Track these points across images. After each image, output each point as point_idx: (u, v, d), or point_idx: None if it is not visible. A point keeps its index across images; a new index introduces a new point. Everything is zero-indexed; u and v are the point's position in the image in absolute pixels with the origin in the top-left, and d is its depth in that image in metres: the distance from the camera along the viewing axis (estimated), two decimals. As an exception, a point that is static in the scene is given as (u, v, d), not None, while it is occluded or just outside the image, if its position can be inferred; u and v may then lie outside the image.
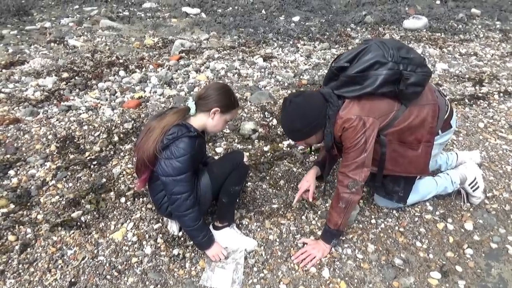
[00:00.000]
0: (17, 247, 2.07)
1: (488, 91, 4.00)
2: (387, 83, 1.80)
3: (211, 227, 2.14)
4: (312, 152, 2.82)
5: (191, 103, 1.93)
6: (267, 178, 2.66)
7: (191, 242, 2.10)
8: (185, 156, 1.81)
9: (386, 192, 2.25)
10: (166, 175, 1.83)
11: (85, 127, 3.18)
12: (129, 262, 2.01)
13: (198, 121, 1.93)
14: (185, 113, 1.92)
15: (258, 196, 2.50)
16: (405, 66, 1.80)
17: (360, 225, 2.28)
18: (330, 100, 1.89)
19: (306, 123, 1.90)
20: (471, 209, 2.40)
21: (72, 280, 1.91)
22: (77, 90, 3.81)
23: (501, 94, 3.93)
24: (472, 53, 5.17)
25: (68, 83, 3.93)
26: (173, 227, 2.19)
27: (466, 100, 3.79)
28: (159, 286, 1.90)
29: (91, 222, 2.26)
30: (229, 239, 2.10)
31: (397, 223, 2.30)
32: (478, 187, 2.35)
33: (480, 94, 3.92)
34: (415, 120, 1.94)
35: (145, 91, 3.84)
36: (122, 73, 4.22)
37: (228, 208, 2.13)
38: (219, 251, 2.02)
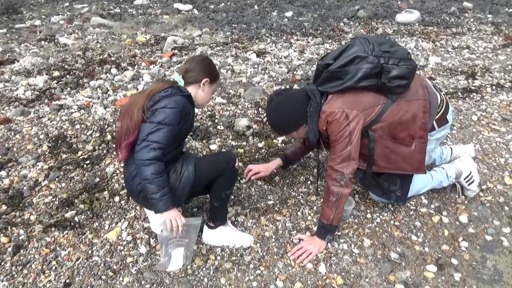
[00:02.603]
0: (9, 249, 2.04)
1: (480, 84, 4.02)
2: (368, 76, 1.83)
3: (205, 227, 2.10)
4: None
5: (178, 77, 1.91)
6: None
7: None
8: (176, 108, 1.76)
9: (382, 191, 2.25)
10: (150, 122, 1.74)
11: (77, 126, 3.14)
12: (124, 261, 2.00)
13: None
14: (173, 84, 1.90)
15: (253, 193, 2.49)
16: (387, 60, 1.82)
17: (356, 220, 2.28)
18: (312, 97, 1.94)
19: (284, 121, 2.00)
20: (465, 202, 2.41)
21: (67, 281, 1.88)
22: (69, 89, 3.77)
23: (494, 87, 3.94)
24: (464, 46, 5.19)
25: (59, 82, 3.89)
26: (154, 226, 2.09)
27: (459, 93, 3.80)
28: (155, 285, 1.88)
29: (85, 222, 2.23)
30: (225, 237, 2.09)
31: (392, 217, 2.31)
32: (473, 181, 2.36)
33: (473, 87, 3.93)
34: (406, 115, 1.94)
35: (137, 89, 3.81)
36: (114, 71, 4.18)
37: (221, 210, 2.08)
38: (177, 215, 1.80)
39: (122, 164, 2.67)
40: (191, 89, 1.93)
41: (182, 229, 1.83)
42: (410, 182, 2.22)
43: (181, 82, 1.91)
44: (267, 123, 2.14)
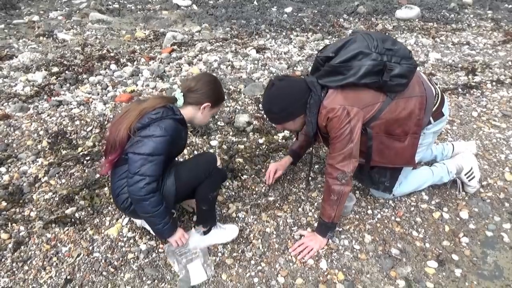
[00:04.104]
0: (10, 245, 2.03)
1: (481, 80, 4.02)
2: (370, 73, 1.79)
3: (194, 232, 2.05)
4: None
5: (178, 94, 1.86)
6: (263, 170, 2.64)
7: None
8: (165, 137, 1.70)
9: (372, 182, 2.25)
10: (138, 153, 1.68)
11: (77, 122, 3.13)
12: (125, 258, 1.99)
13: (185, 112, 1.86)
14: (170, 101, 1.85)
15: (254, 189, 2.48)
16: (389, 58, 1.79)
17: (357, 216, 2.28)
18: (313, 89, 1.88)
19: (283, 108, 1.90)
20: (466, 198, 2.42)
21: (68, 277, 1.88)
22: (68, 85, 3.74)
23: (494, 83, 3.94)
24: (464, 42, 5.18)
25: (59, 78, 3.86)
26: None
27: (460, 90, 3.80)
28: (156, 281, 1.88)
29: (85, 218, 2.23)
30: (216, 237, 2.06)
31: (393, 213, 2.31)
32: (474, 176, 2.36)
33: (473, 83, 3.93)
34: (403, 112, 1.93)
35: (137, 85, 3.79)
36: (113, 66, 4.16)
37: (210, 213, 2.03)
38: (181, 235, 1.91)
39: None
40: (189, 110, 1.87)
41: (186, 242, 1.93)
42: (399, 174, 2.22)
43: (180, 101, 1.84)
44: (263, 109, 2.01)
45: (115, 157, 1.79)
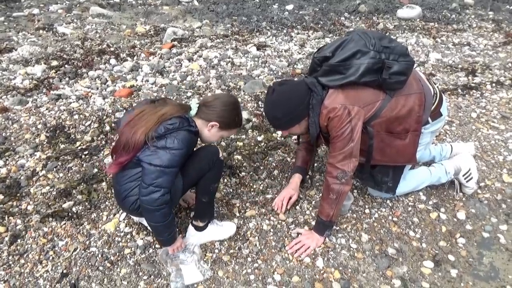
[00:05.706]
0: (6, 239, 2.03)
1: (480, 81, 4.01)
2: (370, 72, 1.79)
3: (192, 228, 2.06)
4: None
5: (194, 105, 1.86)
6: (261, 168, 2.64)
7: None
8: (181, 150, 1.71)
9: (375, 183, 2.24)
10: (155, 165, 1.68)
11: (76, 116, 3.12)
12: (122, 253, 1.99)
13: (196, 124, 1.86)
14: (186, 109, 1.85)
15: (252, 187, 2.48)
16: (387, 55, 1.79)
17: (354, 215, 2.28)
18: (314, 90, 1.87)
19: (288, 112, 1.88)
20: (463, 199, 2.42)
21: (64, 271, 1.88)
22: (67, 79, 3.73)
23: (494, 84, 3.94)
24: (465, 43, 5.18)
25: (58, 72, 3.85)
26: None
27: (459, 90, 3.80)
28: (152, 277, 1.88)
29: (82, 213, 2.22)
30: (213, 233, 2.06)
31: (390, 212, 2.31)
32: (471, 178, 2.36)
33: (472, 84, 3.93)
34: (402, 110, 1.93)
35: (136, 80, 3.78)
36: (113, 61, 4.15)
37: (209, 206, 2.03)
38: (179, 244, 1.92)
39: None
40: (198, 123, 1.85)
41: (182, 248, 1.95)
42: (401, 173, 2.22)
43: (193, 111, 1.85)
44: (267, 116, 1.99)
45: (127, 160, 1.77)
